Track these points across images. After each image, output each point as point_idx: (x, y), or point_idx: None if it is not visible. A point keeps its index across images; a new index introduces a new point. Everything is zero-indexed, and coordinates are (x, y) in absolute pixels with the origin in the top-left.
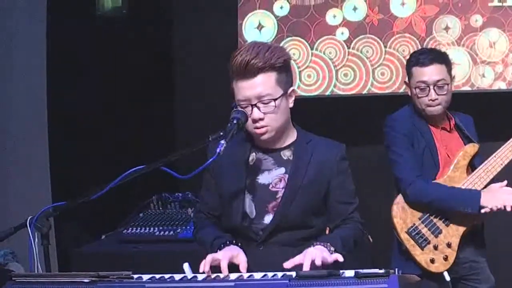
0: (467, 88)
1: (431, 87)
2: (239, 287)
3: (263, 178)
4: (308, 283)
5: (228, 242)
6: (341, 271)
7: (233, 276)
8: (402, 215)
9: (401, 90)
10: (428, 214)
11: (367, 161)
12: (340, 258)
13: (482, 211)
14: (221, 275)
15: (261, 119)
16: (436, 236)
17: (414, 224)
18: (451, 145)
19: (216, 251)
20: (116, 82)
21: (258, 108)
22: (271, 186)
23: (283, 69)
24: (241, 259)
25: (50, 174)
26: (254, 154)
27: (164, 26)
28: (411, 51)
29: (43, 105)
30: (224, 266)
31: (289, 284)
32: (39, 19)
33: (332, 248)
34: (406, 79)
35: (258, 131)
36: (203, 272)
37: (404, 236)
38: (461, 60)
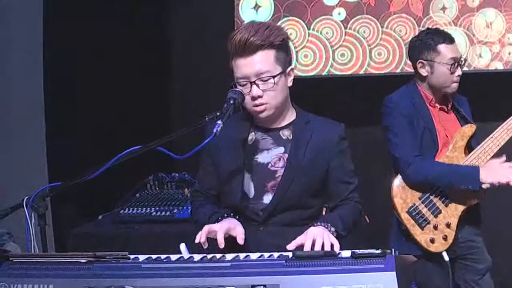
0: (464, 68)
1: (459, 62)
2: (235, 268)
3: (262, 157)
4: (305, 264)
5: (226, 215)
6: (337, 251)
7: (229, 256)
8: (403, 195)
9: (398, 70)
10: (428, 194)
11: (363, 141)
12: (337, 245)
13: (483, 186)
14: (218, 256)
15: (260, 97)
16: (436, 216)
17: (414, 204)
18: (449, 125)
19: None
20: (112, 64)
21: (257, 85)
22: (270, 165)
23: (282, 48)
24: (238, 231)
25: (46, 154)
26: (253, 133)
27: (160, 6)
28: (408, 31)
29: (39, 85)
30: (220, 238)
31: (285, 265)
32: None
33: (333, 229)
34: (423, 59)
35: (257, 108)
36: (200, 244)
37: (404, 216)
38: (458, 40)
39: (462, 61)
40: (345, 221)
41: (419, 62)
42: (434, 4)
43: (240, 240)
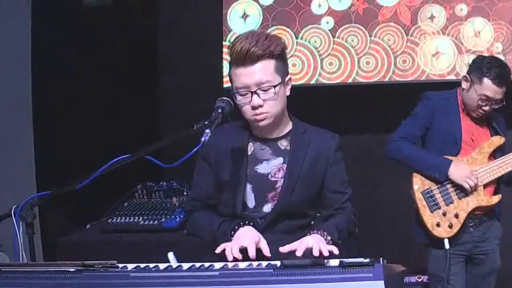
0: (452, 77)
1: (492, 102)
2: (223, 276)
3: (262, 168)
4: (293, 273)
5: (241, 224)
6: (326, 260)
7: (218, 265)
8: (422, 177)
9: (386, 79)
10: (446, 183)
11: (351, 150)
12: (336, 250)
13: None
14: (206, 264)
15: (261, 106)
16: (447, 205)
17: (430, 188)
18: (477, 133)
19: (231, 234)
20: (100, 72)
21: (258, 95)
22: (270, 176)
23: (281, 57)
24: (262, 243)
25: (35, 163)
26: (251, 143)
27: (149, 14)
28: (396, 40)
29: (28, 92)
30: (252, 250)
31: (273, 274)
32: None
33: (329, 237)
34: (465, 74)
35: (257, 117)
36: (233, 260)
37: (418, 196)
38: (446, 49)
39: (496, 102)
40: (341, 230)
41: (465, 76)
42: (423, 13)
43: (267, 253)
